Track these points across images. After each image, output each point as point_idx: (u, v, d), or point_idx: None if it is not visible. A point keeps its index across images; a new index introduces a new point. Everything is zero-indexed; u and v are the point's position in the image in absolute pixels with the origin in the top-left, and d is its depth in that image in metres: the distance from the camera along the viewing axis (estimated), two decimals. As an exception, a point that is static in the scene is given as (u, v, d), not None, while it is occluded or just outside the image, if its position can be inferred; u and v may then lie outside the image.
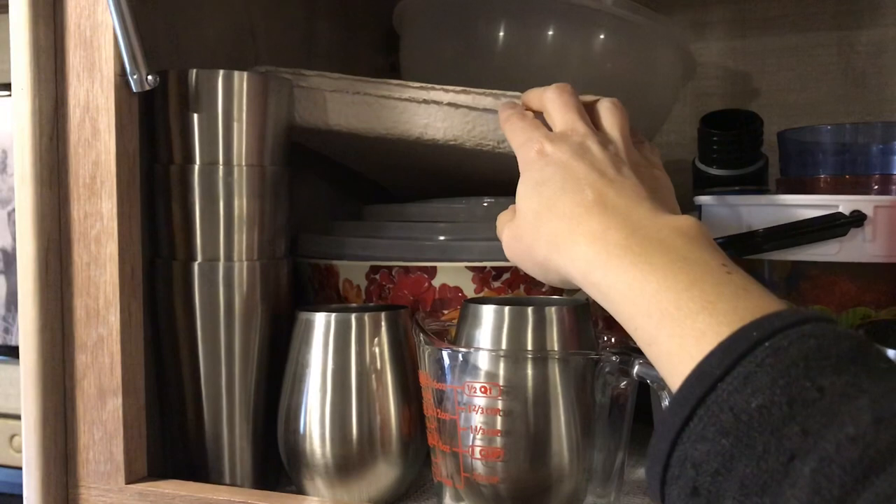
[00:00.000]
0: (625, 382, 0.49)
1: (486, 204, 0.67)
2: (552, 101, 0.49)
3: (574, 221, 0.43)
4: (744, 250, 0.51)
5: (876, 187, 0.55)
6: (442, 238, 0.62)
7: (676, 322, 0.36)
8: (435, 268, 0.60)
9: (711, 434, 0.31)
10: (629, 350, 0.49)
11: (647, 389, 0.48)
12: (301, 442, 0.54)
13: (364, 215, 0.71)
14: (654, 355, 0.38)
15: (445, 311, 0.60)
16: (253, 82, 0.56)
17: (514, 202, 0.66)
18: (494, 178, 0.68)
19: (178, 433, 0.57)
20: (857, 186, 0.53)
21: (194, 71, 0.55)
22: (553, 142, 0.47)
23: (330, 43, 0.81)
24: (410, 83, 0.58)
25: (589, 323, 0.52)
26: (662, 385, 0.46)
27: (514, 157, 0.57)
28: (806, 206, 0.49)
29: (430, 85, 0.57)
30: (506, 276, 0.60)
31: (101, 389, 0.52)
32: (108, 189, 0.51)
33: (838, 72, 0.83)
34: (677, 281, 0.37)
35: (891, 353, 0.42)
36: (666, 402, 0.46)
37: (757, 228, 0.50)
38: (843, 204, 0.48)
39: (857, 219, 0.48)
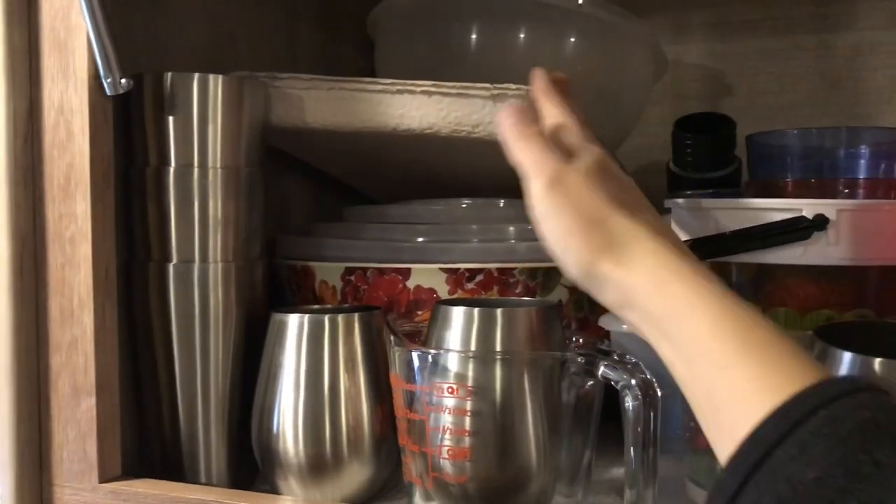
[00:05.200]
0: (590, 383, 0.49)
1: (464, 205, 0.68)
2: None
3: None
4: (711, 252, 0.51)
5: (846, 191, 0.55)
6: (420, 240, 0.63)
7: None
8: (409, 269, 0.61)
9: (767, 502, 0.31)
10: (595, 351, 0.49)
11: (614, 390, 0.49)
12: (274, 441, 0.55)
13: (344, 217, 0.72)
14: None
15: (420, 312, 0.61)
16: (228, 85, 0.57)
17: (493, 203, 0.66)
18: (472, 174, 0.69)
19: (153, 433, 0.58)
20: (823, 190, 0.53)
21: (169, 74, 0.55)
22: None
23: (312, 46, 0.81)
24: (382, 80, 0.59)
25: (558, 324, 0.52)
26: (625, 385, 0.46)
27: (490, 144, 0.58)
28: (771, 209, 0.50)
29: (401, 81, 0.58)
30: (479, 277, 0.60)
31: (75, 389, 0.53)
32: (83, 191, 0.52)
33: (816, 75, 0.83)
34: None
35: (847, 354, 0.42)
36: (629, 403, 0.46)
37: (724, 231, 0.51)
38: (807, 207, 0.49)
39: (821, 222, 0.48)
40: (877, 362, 0.42)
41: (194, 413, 0.57)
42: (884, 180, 0.54)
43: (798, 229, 0.48)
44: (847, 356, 0.42)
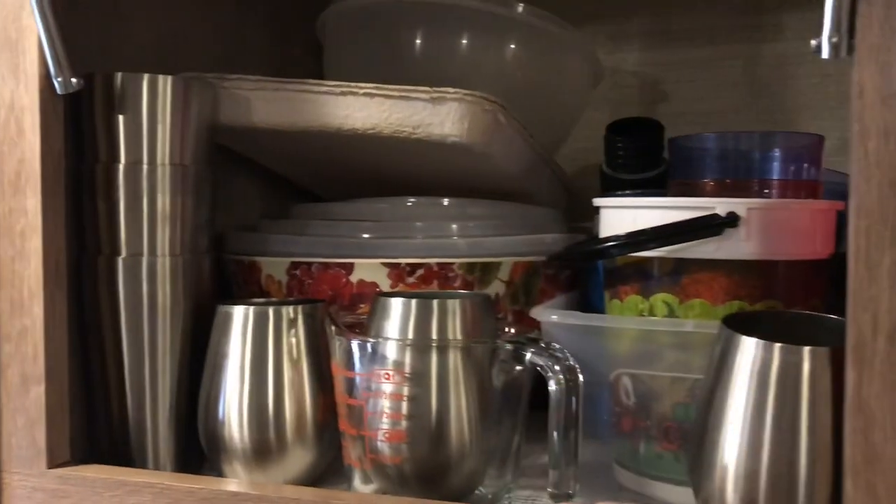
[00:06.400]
0: (519, 368, 0.53)
1: (409, 203, 0.71)
2: None
3: None
4: (632, 248, 0.55)
5: (766, 191, 0.59)
6: (365, 236, 0.66)
7: None
8: (352, 264, 0.63)
9: None
10: (524, 339, 0.53)
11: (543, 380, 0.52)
12: (220, 428, 0.57)
13: (291, 214, 0.74)
14: None
15: (362, 306, 0.63)
16: (176, 86, 0.59)
17: (437, 202, 0.69)
18: (417, 174, 0.72)
19: (102, 421, 0.59)
20: (738, 190, 0.57)
21: (119, 74, 0.57)
22: None
23: (262, 48, 0.83)
24: (327, 81, 0.61)
25: (491, 315, 0.55)
26: (550, 371, 0.50)
27: (430, 145, 0.61)
28: (687, 207, 0.53)
29: (345, 83, 0.60)
30: (420, 272, 0.63)
31: (24, 378, 0.54)
32: (33, 186, 0.54)
33: (745, 82, 0.88)
34: None
35: (749, 340, 0.46)
36: (552, 387, 0.50)
37: (644, 228, 0.54)
38: (720, 206, 0.53)
39: (732, 220, 0.52)
40: (776, 347, 0.45)
41: (142, 402, 0.59)
42: (793, 181, 0.58)
43: (711, 226, 0.52)
44: (750, 341, 0.46)
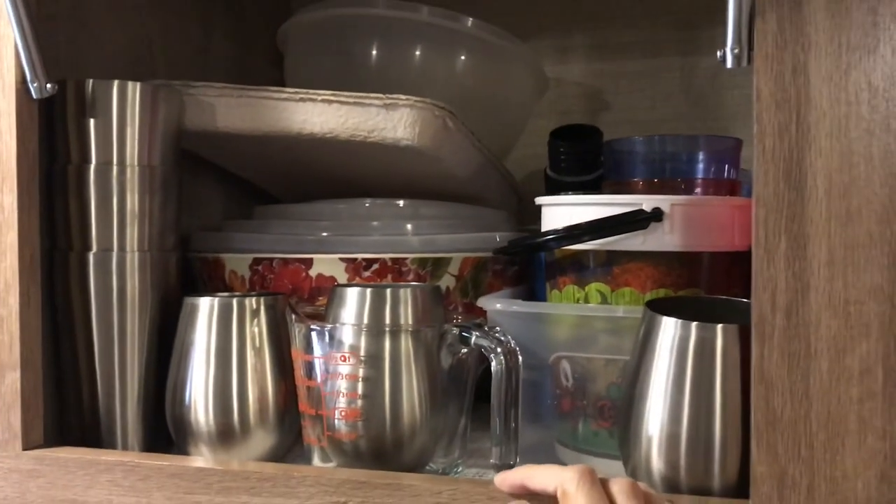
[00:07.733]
0: (465, 350, 0.57)
1: (367, 205, 0.75)
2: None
3: None
4: (568, 241, 0.60)
5: (691, 190, 0.64)
6: (324, 234, 0.70)
7: None
8: (311, 259, 0.67)
9: None
10: (470, 324, 0.57)
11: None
12: (186, 413, 0.61)
13: (254, 215, 0.78)
14: None
15: (321, 298, 0.67)
16: (145, 91, 0.63)
17: (392, 203, 0.74)
18: (373, 176, 0.77)
19: (74, 407, 0.63)
20: (665, 189, 0.62)
21: (91, 81, 0.61)
22: None
23: (226, 56, 0.88)
24: (287, 89, 0.66)
25: (440, 303, 0.60)
26: (492, 351, 0.54)
27: (389, 148, 0.65)
28: (617, 204, 0.59)
29: (303, 90, 0.65)
30: (375, 266, 0.68)
31: (0, 365, 0.58)
32: (10, 184, 0.57)
33: (681, 92, 0.94)
34: None
35: (669, 320, 0.51)
36: (494, 367, 0.54)
37: (579, 223, 0.59)
38: (646, 202, 0.58)
39: (656, 215, 0.57)
40: (693, 325, 0.50)
41: (112, 388, 0.62)
42: (714, 180, 0.63)
43: (637, 220, 0.57)
44: (669, 321, 0.51)
